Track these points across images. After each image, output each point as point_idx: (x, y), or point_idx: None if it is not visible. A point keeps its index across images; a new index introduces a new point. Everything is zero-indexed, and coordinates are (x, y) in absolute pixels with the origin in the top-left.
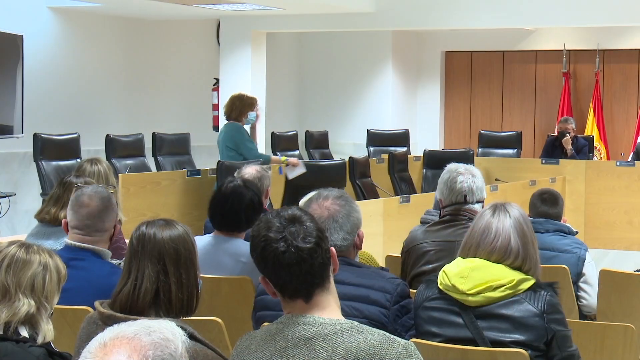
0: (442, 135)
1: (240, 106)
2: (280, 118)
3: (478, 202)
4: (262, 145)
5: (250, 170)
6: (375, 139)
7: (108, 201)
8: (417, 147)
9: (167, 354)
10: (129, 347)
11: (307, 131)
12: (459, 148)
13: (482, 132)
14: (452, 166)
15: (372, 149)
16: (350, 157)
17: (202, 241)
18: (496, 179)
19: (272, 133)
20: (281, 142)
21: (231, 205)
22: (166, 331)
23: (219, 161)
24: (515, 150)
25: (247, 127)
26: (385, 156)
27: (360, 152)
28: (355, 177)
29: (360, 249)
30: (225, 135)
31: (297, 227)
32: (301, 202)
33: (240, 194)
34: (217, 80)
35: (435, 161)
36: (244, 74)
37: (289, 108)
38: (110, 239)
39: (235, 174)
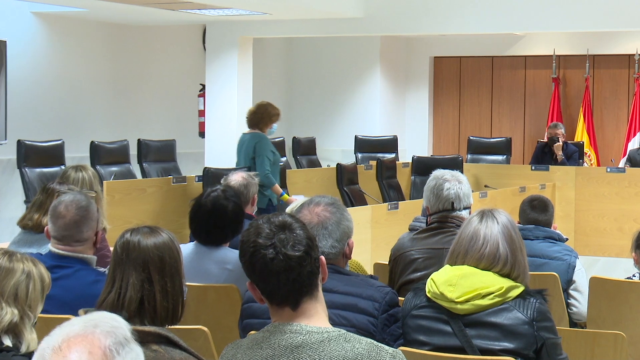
0: (431, 142)
1: (268, 115)
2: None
3: (465, 208)
4: None
5: (236, 178)
6: (363, 145)
7: (86, 210)
8: (406, 154)
9: (122, 338)
10: (85, 343)
11: (294, 137)
12: (448, 154)
13: (471, 138)
14: (438, 173)
15: (360, 155)
16: (338, 164)
17: (187, 249)
18: (485, 186)
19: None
20: (267, 147)
21: (215, 221)
22: (109, 319)
23: (205, 168)
24: (505, 156)
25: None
26: (374, 163)
27: (348, 159)
28: (343, 184)
29: (350, 258)
30: (248, 145)
31: (287, 235)
32: (288, 209)
33: (221, 207)
34: (203, 86)
35: (424, 168)
36: (231, 80)
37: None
38: (94, 245)
39: (222, 181)
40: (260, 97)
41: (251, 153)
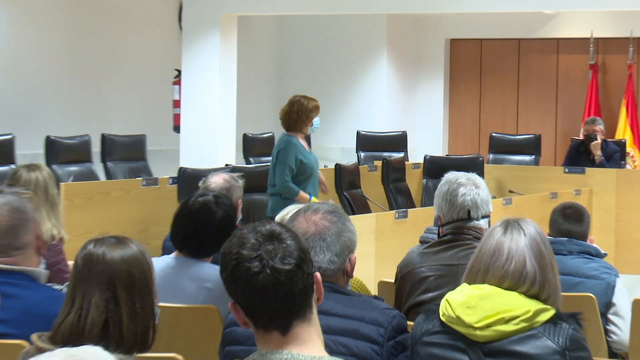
0: (446, 139)
1: (305, 112)
2: (255, 117)
3: (483, 217)
4: (232, 150)
5: (217, 180)
6: (366, 142)
7: (21, 212)
8: (417, 153)
9: None
10: None
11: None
12: (466, 154)
13: (494, 135)
14: (450, 176)
15: (362, 154)
16: (336, 164)
17: (160, 263)
18: (510, 191)
19: (244, 135)
20: (254, 146)
21: (197, 225)
22: (93, 357)
23: (181, 168)
24: (533, 156)
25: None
26: (379, 163)
27: (349, 158)
28: (343, 188)
29: (351, 276)
30: (275, 148)
31: (276, 245)
32: (279, 216)
33: (209, 213)
34: (179, 72)
35: (437, 169)
36: (211, 65)
37: (265, 106)
38: (38, 253)
39: (200, 184)
40: (247, 86)
41: (273, 160)
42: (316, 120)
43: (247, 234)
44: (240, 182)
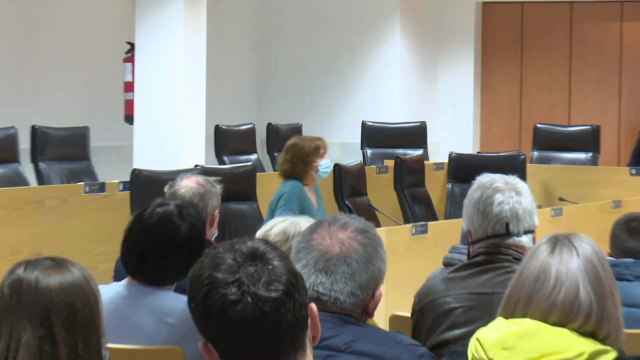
0: (477, 131)
1: (303, 155)
2: (230, 105)
3: (527, 232)
4: (200, 147)
5: (188, 184)
6: (374, 136)
7: None
8: (439, 150)
9: None
10: None
11: (270, 125)
12: (504, 151)
13: (539, 126)
14: (484, 180)
15: (369, 151)
16: (336, 165)
17: (109, 293)
18: (560, 199)
19: (217, 128)
20: (230, 142)
21: (155, 243)
22: None
23: (135, 170)
24: (590, 154)
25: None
26: (390, 163)
27: (352, 157)
28: (343, 195)
29: (372, 316)
30: (277, 193)
31: (259, 267)
32: (261, 232)
33: (170, 227)
34: (132, 45)
35: (466, 171)
36: (173, 38)
37: (243, 91)
38: None
39: (166, 189)
40: (218, 66)
41: (273, 205)
42: (324, 163)
43: (222, 253)
44: (218, 188)
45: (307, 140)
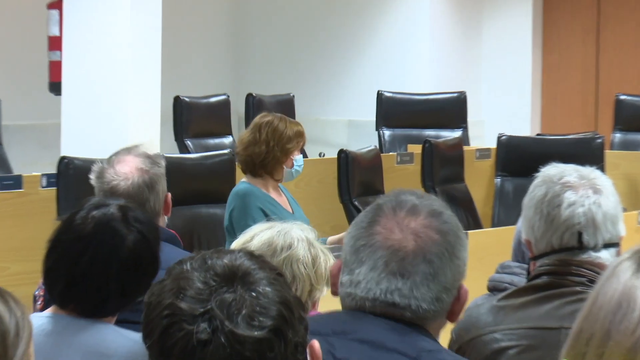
0: (536, 106)
1: (276, 143)
2: (196, 70)
3: (607, 246)
4: (155, 127)
5: (125, 171)
6: (394, 112)
7: None
8: (484, 131)
9: None
10: None
11: (250, 96)
12: (574, 133)
13: (622, 98)
14: (551, 172)
15: (387, 133)
16: (341, 152)
17: (35, 323)
18: None
19: (176, 100)
20: (193, 119)
21: (91, 260)
22: None
23: (63, 159)
24: None
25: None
26: (417, 149)
27: (363, 141)
28: (352, 193)
29: (454, 321)
30: (228, 204)
31: (240, 294)
32: (239, 242)
33: (113, 238)
34: None
35: (521, 160)
36: None
37: (214, 51)
38: None
39: (95, 182)
40: (180, 17)
41: (226, 222)
42: (299, 158)
43: (189, 271)
44: (162, 165)
45: (286, 121)
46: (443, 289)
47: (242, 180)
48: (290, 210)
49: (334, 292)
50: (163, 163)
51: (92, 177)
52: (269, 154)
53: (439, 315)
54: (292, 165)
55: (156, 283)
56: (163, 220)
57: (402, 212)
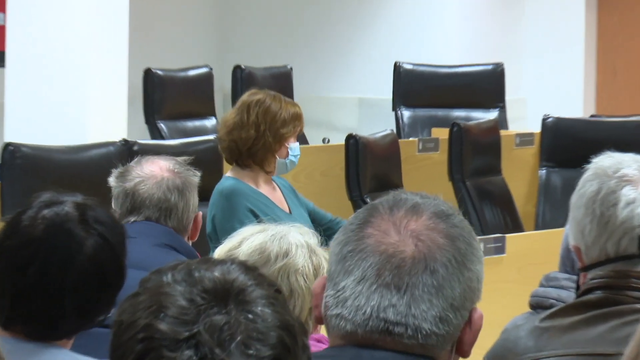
0: (590, 82)
1: (268, 126)
2: (170, 38)
3: None
4: (121, 108)
5: (153, 171)
6: (416, 88)
7: None
8: (527, 111)
9: None
10: None
11: (238, 68)
12: (635, 114)
13: None
14: (605, 163)
15: (407, 113)
16: (349, 137)
17: None
18: None
19: (147, 73)
20: (168, 97)
21: (42, 271)
22: None
23: (8, 145)
24: None
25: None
26: (444, 134)
27: (377, 123)
28: (363, 189)
29: (467, 356)
30: (210, 205)
31: (233, 316)
32: (223, 248)
33: (68, 243)
34: None
35: (571, 147)
36: None
37: (193, 16)
38: None
39: (113, 183)
40: None
41: (208, 228)
42: (295, 147)
43: (171, 284)
44: (198, 175)
45: (281, 100)
46: (449, 306)
47: (227, 175)
48: (287, 209)
49: (318, 319)
50: (198, 175)
51: (112, 177)
52: (258, 140)
53: (445, 342)
54: (287, 154)
55: (128, 298)
56: (193, 233)
57: (400, 211)
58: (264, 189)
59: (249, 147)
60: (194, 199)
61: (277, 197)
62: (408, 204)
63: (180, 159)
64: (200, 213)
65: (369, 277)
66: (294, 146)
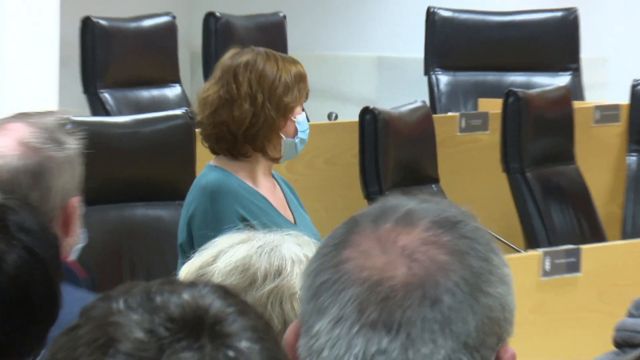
0: None
1: (268, 95)
2: None
3: None
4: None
5: (6, 141)
6: (456, 45)
7: None
8: (609, 76)
9: None
10: None
11: (210, 16)
12: None
13: None
14: None
15: (444, 79)
16: (366, 111)
17: None
18: None
19: (85, 22)
20: (114, 54)
21: None
22: None
23: None
24: None
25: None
26: (494, 105)
27: (401, 92)
28: (383, 181)
29: None
30: (186, 204)
31: (209, 353)
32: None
33: None
34: None
35: None
36: None
37: None
38: None
39: None
40: None
41: (182, 236)
42: (302, 120)
43: (123, 312)
44: (73, 145)
45: (277, 58)
46: (462, 347)
47: (211, 164)
48: (291, 218)
49: None
50: (72, 142)
51: None
52: (257, 117)
53: None
54: (296, 131)
55: (65, 332)
56: (68, 243)
57: (387, 222)
58: (262, 186)
59: (245, 128)
60: (62, 179)
61: (277, 198)
62: (398, 212)
63: (48, 123)
64: (76, 198)
65: (349, 316)
66: (301, 119)
